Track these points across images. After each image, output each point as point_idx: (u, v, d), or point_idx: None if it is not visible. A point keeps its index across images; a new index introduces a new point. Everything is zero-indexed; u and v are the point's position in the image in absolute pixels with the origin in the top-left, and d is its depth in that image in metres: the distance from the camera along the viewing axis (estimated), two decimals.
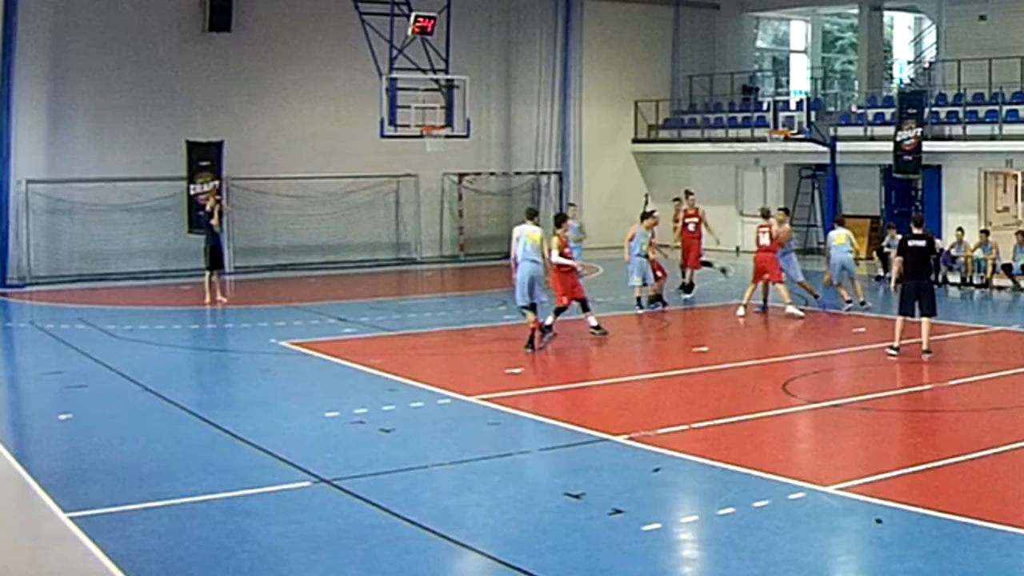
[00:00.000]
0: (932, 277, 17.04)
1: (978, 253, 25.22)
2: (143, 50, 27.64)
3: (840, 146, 29.78)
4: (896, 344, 16.13)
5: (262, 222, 29.21)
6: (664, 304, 21.40)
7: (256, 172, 28.74)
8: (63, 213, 27.19)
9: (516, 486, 10.43)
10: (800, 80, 39.12)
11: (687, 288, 22.73)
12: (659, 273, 21.34)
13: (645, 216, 21.45)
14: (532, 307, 17.08)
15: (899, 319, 16.27)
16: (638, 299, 21.03)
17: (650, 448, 11.35)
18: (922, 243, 16.29)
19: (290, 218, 29.56)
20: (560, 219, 18.31)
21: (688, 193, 23.90)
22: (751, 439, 12.11)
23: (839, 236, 21.96)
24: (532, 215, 18.05)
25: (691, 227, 22.89)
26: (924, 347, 16.08)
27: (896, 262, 16.63)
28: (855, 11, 35.45)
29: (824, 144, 29.71)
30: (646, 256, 20.81)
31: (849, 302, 21.10)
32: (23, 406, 14.73)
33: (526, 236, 17.20)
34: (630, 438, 11.72)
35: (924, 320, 16.13)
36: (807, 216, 32.54)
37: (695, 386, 15.12)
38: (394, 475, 10.61)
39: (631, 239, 21.00)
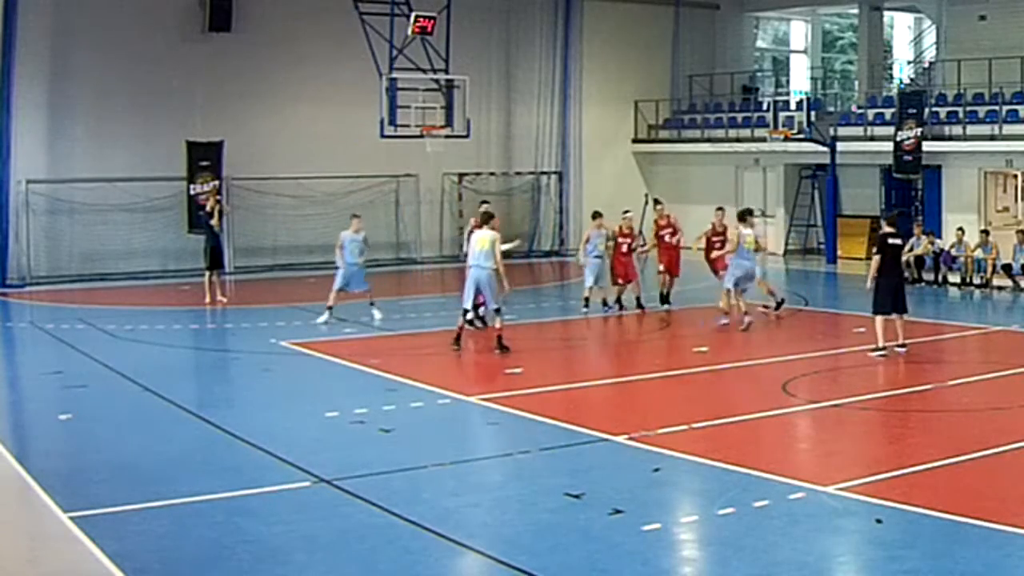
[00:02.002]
0: (905, 275, 17.16)
1: (978, 253, 25.22)
2: (143, 50, 27.62)
3: (840, 146, 29.79)
4: (881, 344, 16.14)
5: (262, 222, 29.21)
6: (629, 307, 20.97)
7: (256, 172, 28.72)
8: (63, 213, 27.19)
9: (516, 486, 10.43)
10: (800, 80, 39.11)
11: (664, 298, 21.46)
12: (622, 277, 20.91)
13: (596, 216, 21.10)
14: (473, 311, 16.95)
15: (879, 319, 16.26)
16: (586, 300, 20.74)
17: (650, 448, 11.35)
18: (899, 241, 16.77)
19: (290, 218, 29.55)
20: (487, 217, 17.67)
21: (656, 202, 22.81)
22: (751, 439, 12.11)
23: (749, 237, 20.57)
24: (487, 219, 17.45)
25: (666, 237, 21.61)
26: (901, 340, 16.29)
27: (875, 260, 16.58)
28: (855, 11, 35.44)
29: (824, 144, 29.72)
30: (600, 257, 20.59)
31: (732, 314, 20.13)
32: (23, 406, 14.72)
33: (476, 241, 17.06)
34: (630, 438, 11.72)
35: (900, 317, 16.36)
36: (807, 216, 32.56)
37: (695, 386, 15.13)
38: (394, 475, 10.61)
39: (587, 241, 20.76)
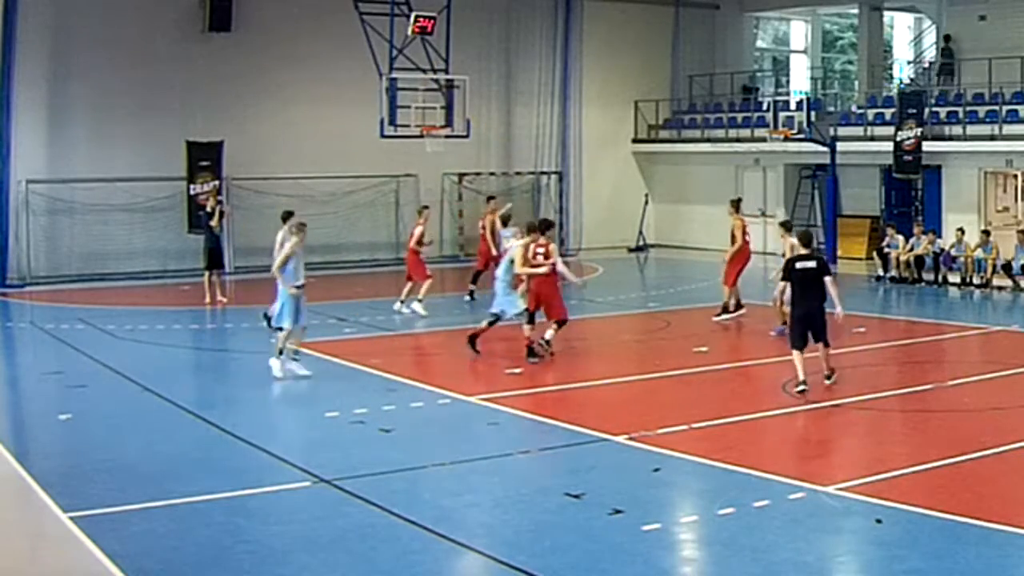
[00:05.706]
0: (823, 302, 14.15)
1: (978, 253, 25.22)
2: (143, 50, 27.63)
3: (840, 146, 29.78)
4: (802, 377, 13.91)
5: (262, 222, 29.06)
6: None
7: (256, 172, 28.71)
8: (63, 213, 27.19)
9: (516, 486, 10.43)
10: (800, 80, 39.10)
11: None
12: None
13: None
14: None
15: (795, 353, 14.07)
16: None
17: (650, 448, 11.36)
18: (811, 264, 14.11)
19: None
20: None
21: (489, 199, 21.17)
22: (751, 439, 12.12)
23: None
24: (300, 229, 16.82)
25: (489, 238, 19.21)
26: (825, 371, 14.28)
27: (779, 287, 15.01)
28: (855, 11, 35.43)
29: (824, 144, 29.71)
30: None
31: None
32: (23, 406, 14.73)
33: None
34: (630, 438, 11.72)
35: (820, 346, 14.19)
36: (807, 216, 32.52)
37: (695, 386, 15.12)
38: (394, 475, 10.61)
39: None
